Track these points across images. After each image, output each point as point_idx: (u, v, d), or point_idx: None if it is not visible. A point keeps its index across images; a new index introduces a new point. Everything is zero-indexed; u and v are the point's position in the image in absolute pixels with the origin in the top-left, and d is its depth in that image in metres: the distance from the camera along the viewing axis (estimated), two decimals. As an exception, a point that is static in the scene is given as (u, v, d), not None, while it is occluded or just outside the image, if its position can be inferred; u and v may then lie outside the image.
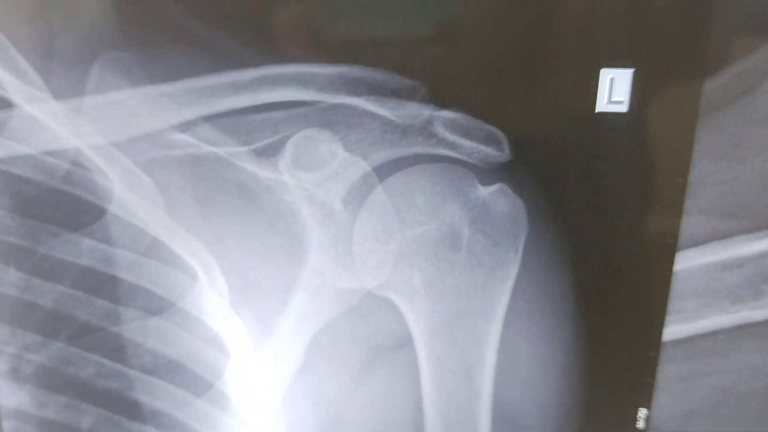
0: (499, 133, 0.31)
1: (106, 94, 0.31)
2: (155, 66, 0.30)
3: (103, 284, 0.33)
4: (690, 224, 0.32)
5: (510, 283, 0.33)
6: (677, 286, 0.33)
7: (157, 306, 0.34)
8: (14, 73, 0.31)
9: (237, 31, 0.30)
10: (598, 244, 0.32)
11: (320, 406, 0.35)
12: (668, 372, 0.34)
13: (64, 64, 0.31)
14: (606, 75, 0.30)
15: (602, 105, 0.30)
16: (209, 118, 0.31)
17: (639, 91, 0.30)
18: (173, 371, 0.35)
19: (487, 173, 0.31)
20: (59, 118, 0.31)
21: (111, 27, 0.30)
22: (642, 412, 0.35)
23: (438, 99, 0.30)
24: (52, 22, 0.30)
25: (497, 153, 0.31)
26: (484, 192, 0.32)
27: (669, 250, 0.32)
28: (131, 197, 0.32)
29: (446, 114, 0.30)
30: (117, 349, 0.34)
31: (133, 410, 0.35)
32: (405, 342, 0.34)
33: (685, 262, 0.32)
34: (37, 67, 0.31)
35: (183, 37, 0.30)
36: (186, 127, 0.31)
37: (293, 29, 0.30)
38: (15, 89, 0.31)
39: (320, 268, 0.33)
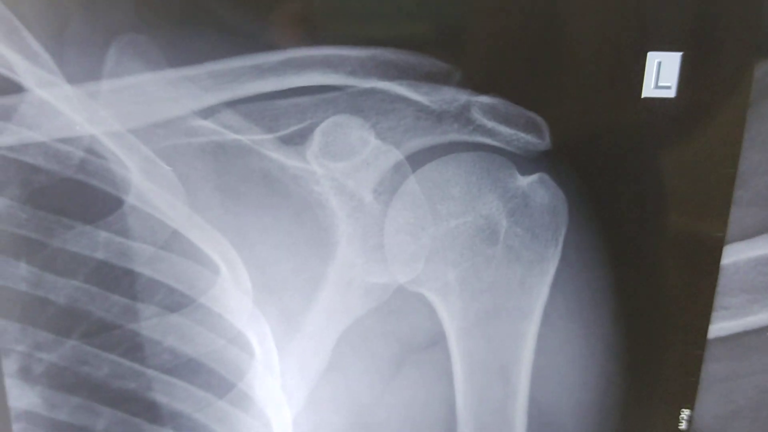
0: (540, 120, 0.29)
1: (123, 78, 0.29)
2: (175, 49, 0.29)
3: (119, 279, 0.32)
4: (738, 216, 0.30)
5: (549, 279, 0.31)
6: (724, 281, 0.31)
7: (176, 302, 0.32)
8: (25, 55, 0.29)
9: (262, 11, 0.28)
10: (641, 238, 0.31)
11: (348, 407, 0.34)
12: (712, 371, 0.33)
13: (79, 47, 0.29)
14: (653, 59, 0.28)
15: (649, 90, 0.28)
16: (232, 104, 0.29)
17: (687, 76, 0.28)
18: (193, 371, 0.33)
19: (527, 162, 0.30)
20: (73, 104, 0.30)
21: (128, 7, 0.28)
22: (685, 413, 0.33)
23: (475, 83, 0.29)
24: (66, 2, 0.29)
25: (537, 141, 0.29)
26: (524, 182, 0.30)
27: (716, 243, 0.31)
28: (150, 187, 0.31)
29: (484, 99, 0.29)
30: (134, 348, 0.33)
31: (150, 412, 0.34)
32: (438, 340, 0.32)
33: (733, 256, 0.31)
34: (49, 49, 0.29)
35: (204, 17, 0.28)
36: (208, 113, 0.30)
37: (322, 8, 0.28)
38: (26, 72, 0.29)
39: (349, 263, 0.31)
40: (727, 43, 0.28)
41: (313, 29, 0.28)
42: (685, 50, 0.28)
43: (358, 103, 0.29)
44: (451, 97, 0.29)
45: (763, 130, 0.29)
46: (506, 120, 0.29)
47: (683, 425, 0.33)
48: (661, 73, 0.28)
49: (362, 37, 0.28)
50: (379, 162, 0.30)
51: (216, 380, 0.33)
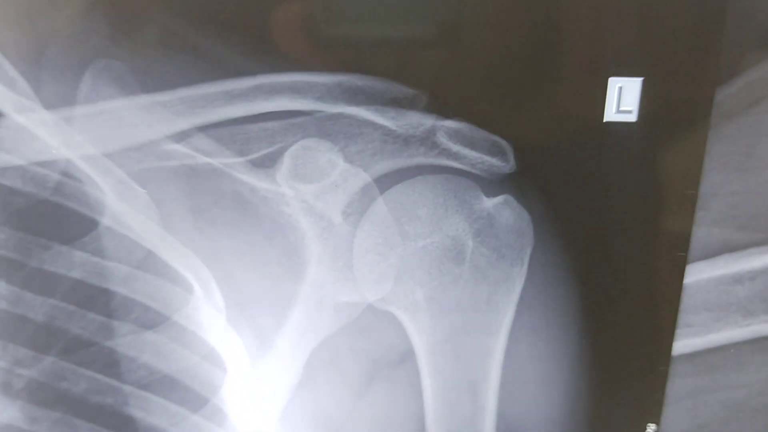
0: (504, 143, 0.30)
1: (97, 104, 0.30)
2: (148, 75, 0.29)
3: (96, 298, 0.33)
4: (701, 236, 0.31)
5: (515, 296, 0.32)
6: (687, 300, 0.32)
7: (151, 320, 0.33)
8: (3, 81, 0.30)
9: (232, 39, 0.29)
10: (606, 257, 0.31)
11: (319, 422, 0.34)
12: (677, 387, 0.33)
13: (55, 73, 0.30)
14: (614, 84, 0.29)
15: (611, 114, 0.29)
16: (204, 128, 0.30)
17: (648, 100, 0.29)
18: (168, 386, 0.34)
19: (492, 184, 0.30)
20: (49, 128, 0.30)
21: (102, 34, 0.29)
22: (650, 428, 0.34)
23: (441, 108, 0.29)
24: (42, 29, 0.29)
25: (502, 163, 0.30)
26: (489, 203, 0.31)
27: (679, 262, 0.31)
28: (124, 209, 0.31)
29: (449, 124, 0.29)
30: (110, 364, 0.33)
31: (127, 426, 0.34)
32: (407, 357, 0.33)
33: (696, 274, 0.31)
34: (26, 76, 0.30)
35: (176, 44, 0.29)
36: (180, 137, 0.30)
37: (289, 35, 0.29)
38: (3, 98, 0.30)
39: (320, 282, 0.32)
40: (688, 67, 0.28)
41: (282, 55, 0.29)
42: (645, 75, 0.28)
43: (326, 128, 0.30)
44: (417, 121, 0.30)
45: (724, 152, 0.30)
46: (471, 143, 0.30)
47: (649, 440, 0.34)
48: (623, 98, 0.29)
49: (329, 64, 0.29)
50: (348, 184, 0.31)
51: (190, 395, 0.34)
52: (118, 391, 0.34)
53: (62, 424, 0.34)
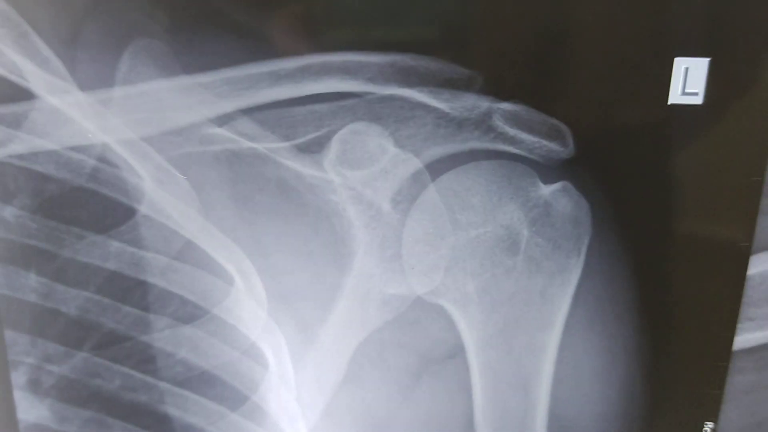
0: (564, 127, 0.28)
1: (136, 85, 0.29)
2: (190, 55, 0.28)
3: (131, 290, 0.31)
4: (765, 226, 0.30)
5: (571, 289, 0.30)
6: (750, 292, 0.30)
7: (190, 314, 0.31)
8: (36, 61, 0.29)
9: (278, 15, 0.27)
10: (666, 248, 0.30)
11: (365, 420, 0.33)
12: (737, 383, 0.32)
13: (91, 52, 0.28)
14: (680, 64, 0.27)
15: (675, 96, 0.28)
16: (248, 111, 0.29)
17: (715, 82, 0.28)
18: (206, 383, 0.32)
19: (550, 170, 0.29)
20: (85, 111, 0.29)
21: (142, 11, 0.28)
22: (708, 426, 0.33)
23: (497, 90, 0.28)
24: (78, 6, 0.28)
25: (561, 148, 0.29)
26: (546, 191, 0.29)
27: (742, 253, 0.30)
28: (163, 196, 0.30)
29: (506, 106, 0.28)
30: (146, 360, 0.32)
31: (162, 425, 0.33)
32: (457, 352, 0.32)
33: (760, 266, 0.30)
34: (60, 55, 0.29)
35: (219, 23, 0.28)
36: (223, 120, 0.29)
37: (339, 12, 0.27)
38: (37, 79, 0.29)
39: (367, 273, 0.31)
40: (757, 48, 0.27)
41: (332, 34, 0.28)
42: (712, 56, 0.27)
43: (376, 111, 0.28)
44: (472, 104, 0.28)
45: (792, 138, 0.29)
46: (529, 127, 0.28)
47: (707, 439, 0.33)
48: (689, 79, 0.28)
49: (382, 43, 0.28)
50: (398, 170, 0.29)
51: (229, 393, 0.32)
52: (153, 389, 0.32)
53: (94, 424, 0.33)
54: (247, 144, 0.29)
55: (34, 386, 0.33)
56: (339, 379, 0.32)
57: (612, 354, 0.31)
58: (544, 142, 0.29)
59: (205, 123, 0.29)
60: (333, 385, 0.32)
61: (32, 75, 0.29)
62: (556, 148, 0.29)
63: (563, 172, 0.29)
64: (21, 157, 0.30)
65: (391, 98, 0.28)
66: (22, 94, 0.29)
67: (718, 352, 0.31)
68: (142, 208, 0.30)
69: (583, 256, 0.30)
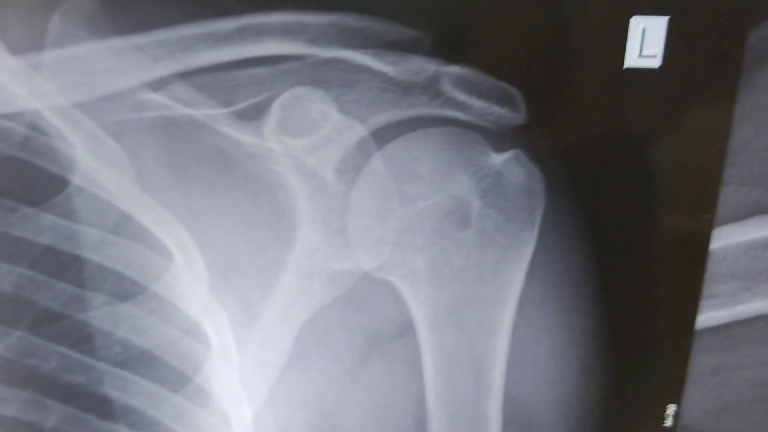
0: (515, 92, 0.27)
1: (68, 48, 0.27)
2: (123, 15, 0.27)
3: (66, 266, 0.30)
4: (729, 196, 0.28)
5: (524, 264, 0.29)
6: (714, 267, 0.29)
7: (127, 291, 0.30)
8: (-38, 24, 0.27)
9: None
10: (624, 220, 0.29)
11: (311, 402, 0.32)
12: (701, 363, 0.31)
13: (20, 15, 0.27)
14: (637, 24, 0.26)
15: (632, 59, 0.27)
16: (185, 76, 0.27)
17: (674, 44, 0.26)
18: (146, 364, 0.31)
19: (501, 138, 0.28)
20: (15, 76, 0.28)
21: (72, -29, 0.26)
22: (671, 409, 0.31)
23: (445, 52, 0.27)
24: (5, -34, 0.27)
25: (512, 115, 0.27)
26: (497, 160, 0.28)
27: (705, 226, 0.29)
28: (97, 166, 0.29)
29: (454, 69, 0.27)
30: (83, 339, 0.31)
31: (102, 407, 0.32)
32: (406, 330, 0.30)
33: (723, 239, 0.29)
34: (-12, 18, 0.27)
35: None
36: (158, 85, 0.27)
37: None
38: (-37, 43, 0.27)
39: (311, 248, 0.29)
40: (718, 6, 0.26)
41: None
42: (672, 14, 0.26)
43: (319, 74, 0.27)
44: (419, 67, 0.27)
45: (757, 102, 0.27)
46: (478, 92, 0.27)
47: (669, 422, 0.31)
48: (646, 40, 0.26)
49: (323, 1, 0.26)
50: (342, 138, 0.28)
51: (171, 374, 0.31)
52: (91, 369, 0.31)
53: (32, 405, 0.32)
54: (183, 110, 0.28)
55: (-30, 367, 0.32)
56: (284, 359, 0.31)
57: (568, 333, 0.30)
58: (495, 108, 0.27)
59: (140, 88, 0.28)
60: (278, 366, 0.31)
61: (-41, 39, 0.28)
62: (507, 114, 0.27)
63: (515, 139, 0.28)
64: (-51, 125, 0.28)
65: (334, 61, 0.27)
66: (-52, 59, 0.28)
67: (681, 331, 0.30)
68: (75, 179, 0.29)
69: (537, 229, 0.29)
